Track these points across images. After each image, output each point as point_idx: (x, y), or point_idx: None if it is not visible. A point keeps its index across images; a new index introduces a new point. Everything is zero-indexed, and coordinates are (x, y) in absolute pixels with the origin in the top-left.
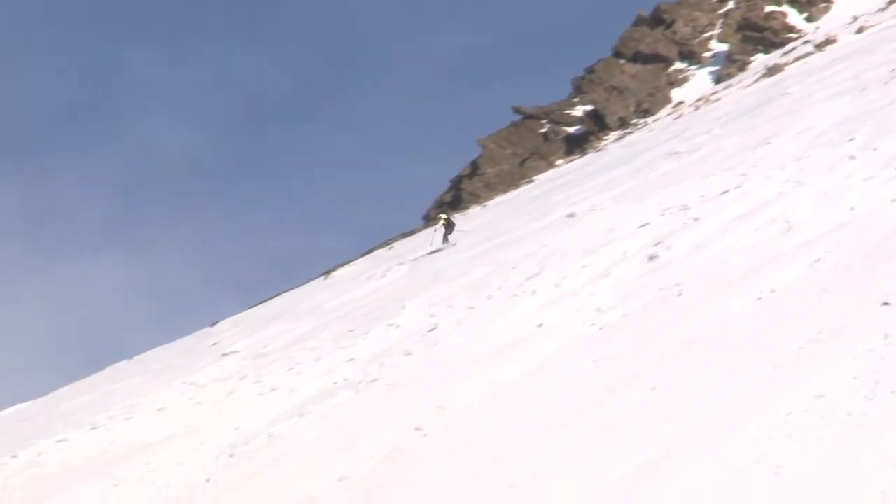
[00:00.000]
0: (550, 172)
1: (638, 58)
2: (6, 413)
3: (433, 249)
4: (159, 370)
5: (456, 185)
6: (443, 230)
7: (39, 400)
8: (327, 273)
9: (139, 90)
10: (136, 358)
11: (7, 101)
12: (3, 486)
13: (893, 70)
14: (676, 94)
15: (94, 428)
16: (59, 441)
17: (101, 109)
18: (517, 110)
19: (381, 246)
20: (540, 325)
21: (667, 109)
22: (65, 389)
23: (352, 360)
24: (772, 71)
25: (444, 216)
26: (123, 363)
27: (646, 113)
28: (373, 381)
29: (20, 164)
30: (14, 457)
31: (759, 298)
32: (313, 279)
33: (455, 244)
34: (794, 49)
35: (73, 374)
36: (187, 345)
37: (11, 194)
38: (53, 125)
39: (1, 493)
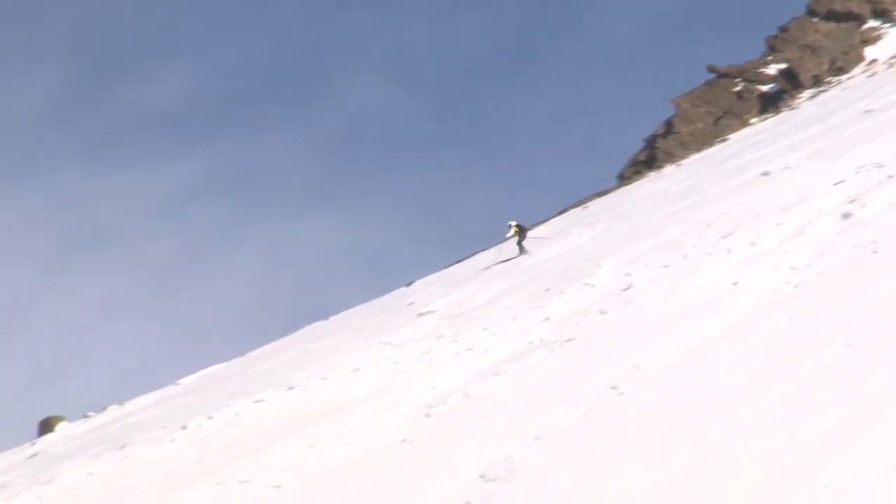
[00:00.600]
0: (744, 131)
1: (831, 16)
2: (204, 373)
3: (502, 259)
4: (356, 330)
5: (650, 144)
6: (515, 238)
7: (237, 360)
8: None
9: (351, 52)
10: (332, 318)
11: (223, 64)
12: (199, 447)
13: None
14: (870, 52)
15: (291, 388)
16: (255, 401)
17: (313, 71)
18: (711, 69)
19: (575, 205)
20: (735, 284)
21: (860, 67)
22: (262, 349)
23: (547, 319)
24: None
25: (514, 224)
26: (320, 323)
27: (839, 71)
28: (568, 340)
29: (232, 126)
30: (210, 417)
31: None
32: (509, 239)
33: (529, 252)
34: None
35: (276, 334)
36: (384, 304)
37: (223, 154)
38: (265, 87)
39: (197, 455)
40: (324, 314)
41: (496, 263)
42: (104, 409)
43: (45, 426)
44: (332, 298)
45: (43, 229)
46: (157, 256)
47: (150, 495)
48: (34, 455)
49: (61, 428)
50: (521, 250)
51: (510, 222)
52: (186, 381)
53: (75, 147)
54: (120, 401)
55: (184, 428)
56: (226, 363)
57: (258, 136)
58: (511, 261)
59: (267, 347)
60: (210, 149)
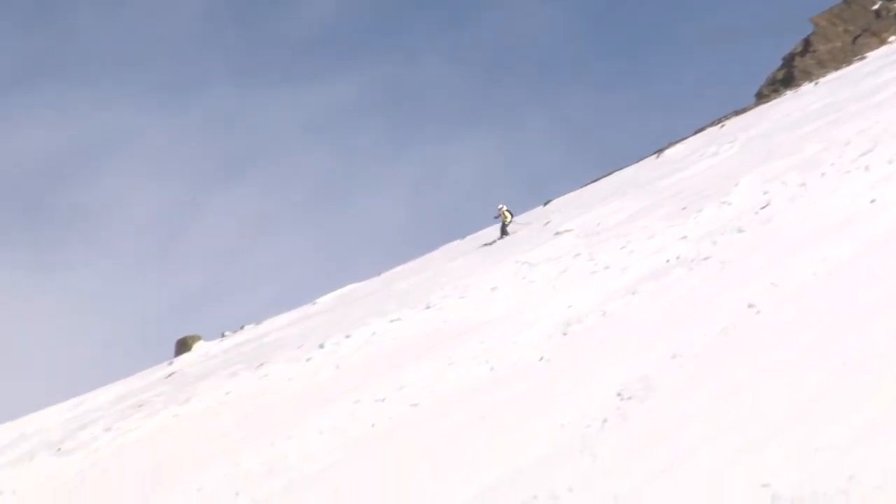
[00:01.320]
0: (882, 49)
1: None
2: (341, 293)
3: (493, 240)
4: (492, 249)
5: (788, 62)
6: (502, 220)
7: (374, 279)
8: (659, 151)
9: None
10: (469, 237)
11: None
12: (336, 366)
13: None
14: None
15: (428, 307)
16: (392, 320)
17: None
18: None
19: (713, 124)
20: (873, 202)
21: None
22: (400, 268)
23: (684, 237)
24: None
25: (504, 208)
26: (457, 242)
27: None
28: (705, 258)
29: (386, 47)
30: (347, 337)
31: None
32: (645, 157)
33: (510, 234)
34: None
35: (416, 253)
36: (520, 223)
37: (379, 74)
38: (419, 7)
39: (334, 374)
40: (461, 234)
41: (490, 244)
42: (241, 328)
43: (183, 346)
44: (478, 218)
45: (198, 147)
46: (310, 174)
47: (287, 414)
48: (171, 374)
49: (198, 347)
50: (503, 233)
51: (500, 206)
52: (324, 300)
53: (230, 67)
54: (257, 320)
55: (321, 347)
56: (363, 282)
57: (413, 57)
58: (495, 243)
59: (404, 267)
60: (365, 69)
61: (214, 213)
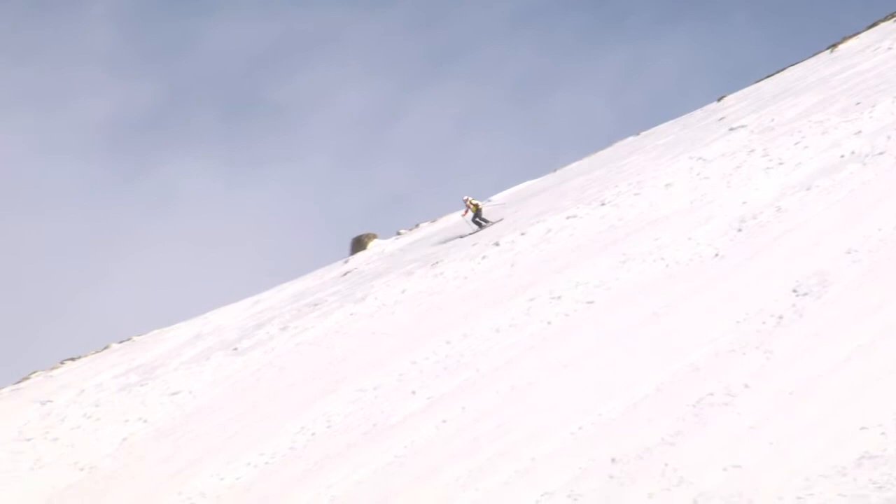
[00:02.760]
0: None
1: None
2: (516, 189)
3: (471, 232)
4: (666, 145)
5: None
6: (470, 215)
7: (549, 176)
8: (833, 46)
9: None
10: (643, 133)
11: None
12: (511, 263)
13: None
14: None
15: (603, 204)
16: (567, 217)
17: None
18: None
19: (886, 18)
20: None
21: None
22: (574, 165)
23: (858, 132)
24: None
25: (471, 200)
26: (630, 139)
27: None
28: (880, 153)
29: None
30: (522, 234)
31: None
32: (819, 52)
33: (491, 223)
34: None
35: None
36: (694, 119)
37: None
38: None
39: (510, 271)
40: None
41: (468, 234)
42: (416, 226)
43: (358, 244)
44: (666, 114)
45: (403, 44)
46: (513, 70)
47: (462, 311)
48: (347, 273)
49: (374, 245)
50: (481, 224)
51: (466, 197)
52: (498, 197)
53: None
54: (432, 218)
55: (496, 245)
56: (538, 179)
57: None
58: (473, 234)
59: (579, 164)
60: None
61: (418, 110)
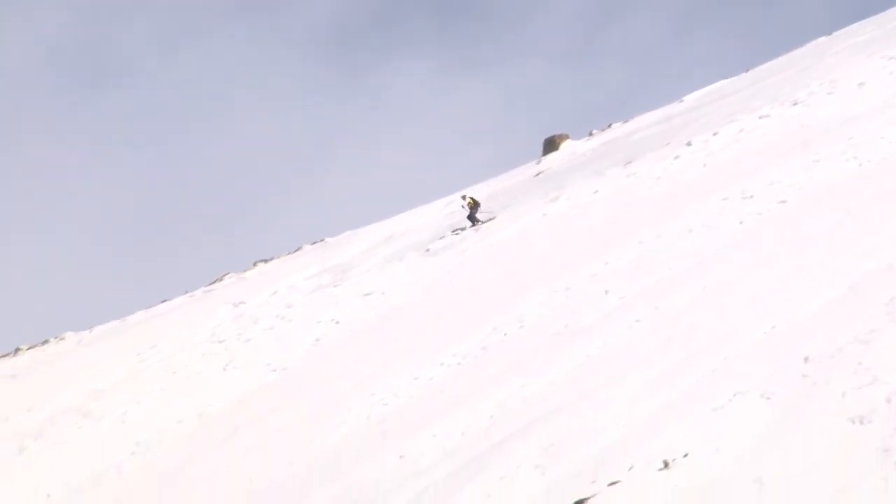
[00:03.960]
0: None
1: None
2: (707, 90)
3: (461, 227)
4: (860, 44)
5: None
6: (467, 210)
7: (742, 75)
8: None
9: None
10: (835, 33)
11: None
12: (703, 163)
13: None
14: None
15: (795, 104)
16: (760, 117)
17: None
18: None
19: None
20: None
21: None
22: (767, 65)
23: None
24: None
25: (468, 196)
26: (823, 39)
27: None
28: None
29: None
30: (714, 134)
31: None
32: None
33: (482, 222)
34: None
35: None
36: (888, 18)
37: None
38: None
39: (702, 171)
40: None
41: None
42: (608, 126)
43: (550, 144)
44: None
45: None
46: None
47: (655, 212)
48: (539, 174)
49: (566, 146)
50: (474, 222)
51: (463, 194)
52: (690, 97)
53: None
54: (624, 118)
55: (688, 144)
56: (729, 79)
57: None
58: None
59: (771, 63)
60: None
61: (634, 11)
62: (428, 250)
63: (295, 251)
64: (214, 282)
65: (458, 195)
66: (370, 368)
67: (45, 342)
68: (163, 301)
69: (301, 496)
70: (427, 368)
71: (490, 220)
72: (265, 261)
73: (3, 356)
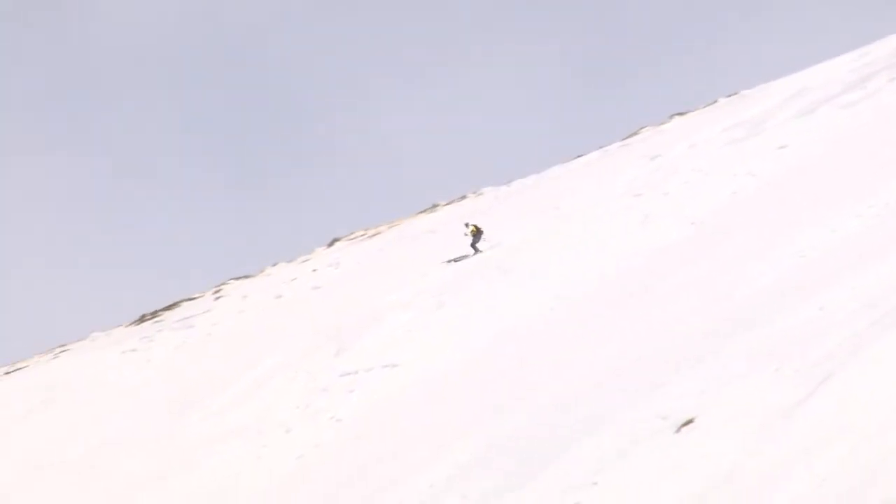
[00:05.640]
0: None
1: None
2: None
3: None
4: None
5: None
6: (471, 238)
7: None
8: None
9: None
10: None
11: None
12: None
13: None
14: None
15: None
16: None
17: None
18: None
19: None
20: None
21: None
22: None
23: None
24: None
25: (471, 224)
26: None
27: None
28: None
29: None
30: None
31: None
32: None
33: (481, 251)
34: None
35: None
36: None
37: None
38: None
39: None
40: None
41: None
42: None
43: None
44: None
45: None
46: None
47: None
48: None
49: None
50: (476, 251)
51: (467, 222)
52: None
53: None
54: None
55: None
56: None
57: None
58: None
59: None
60: None
61: None
62: (841, 103)
63: (710, 104)
64: (630, 136)
65: (870, 46)
66: (786, 221)
67: (463, 197)
68: (578, 156)
69: (717, 345)
70: (843, 220)
71: (491, 248)
72: (681, 114)
73: (421, 212)
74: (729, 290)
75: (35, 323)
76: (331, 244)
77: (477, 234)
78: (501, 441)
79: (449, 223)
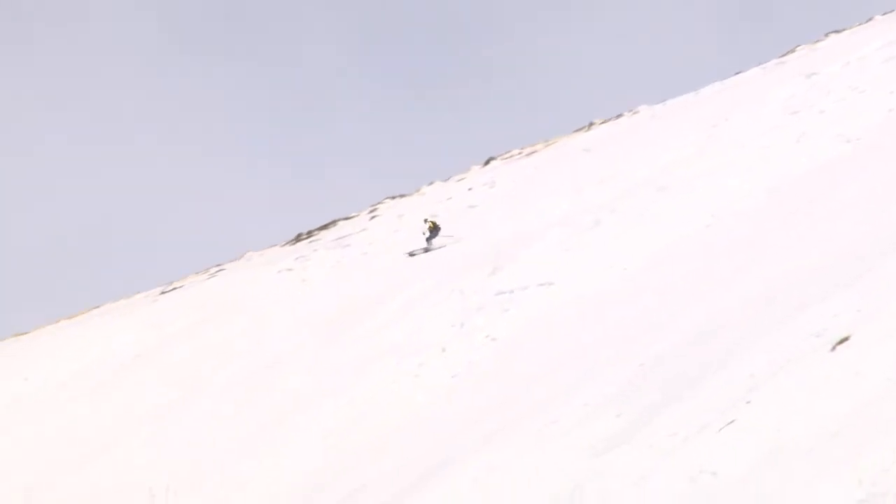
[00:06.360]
0: None
1: None
2: None
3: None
4: None
5: None
6: (427, 233)
7: None
8: None
9: None
10: None
11: None
12: None
13: None
14: None
15: None
16: None
17: None
18: None
19: None
20: None
21: None
22: None
23: None
24: None
25: (430, 219)
26: None
27: None
28: None
29: None
30: None
31: None
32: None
33: (434, 249)
34: None
35: None
36: None
37: None
38: None
39: None
40: None
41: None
42: None
43: None
44: None
45: None
46: None
47: None
48: None
49: None
50: (428, 247)
51: (426, 217)
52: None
53: None
54: None
55: None
56: None
57: None
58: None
59: None
60: None
61: None
62: None
63: (866, 22)
64: (786, 53)
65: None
66: None
67: (619, 116)
68: (736, 73)
69: (876, 263)
70: None
71: (441, 247)
72: (837, 31)
73: (577, 130)
74: (889, 207)
75: (192, 243)
76: (486, 163)
77: (434, 229)
78: (654, 361)
79: (605, 141)
